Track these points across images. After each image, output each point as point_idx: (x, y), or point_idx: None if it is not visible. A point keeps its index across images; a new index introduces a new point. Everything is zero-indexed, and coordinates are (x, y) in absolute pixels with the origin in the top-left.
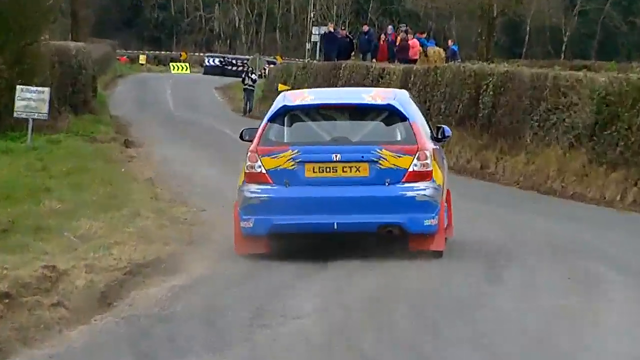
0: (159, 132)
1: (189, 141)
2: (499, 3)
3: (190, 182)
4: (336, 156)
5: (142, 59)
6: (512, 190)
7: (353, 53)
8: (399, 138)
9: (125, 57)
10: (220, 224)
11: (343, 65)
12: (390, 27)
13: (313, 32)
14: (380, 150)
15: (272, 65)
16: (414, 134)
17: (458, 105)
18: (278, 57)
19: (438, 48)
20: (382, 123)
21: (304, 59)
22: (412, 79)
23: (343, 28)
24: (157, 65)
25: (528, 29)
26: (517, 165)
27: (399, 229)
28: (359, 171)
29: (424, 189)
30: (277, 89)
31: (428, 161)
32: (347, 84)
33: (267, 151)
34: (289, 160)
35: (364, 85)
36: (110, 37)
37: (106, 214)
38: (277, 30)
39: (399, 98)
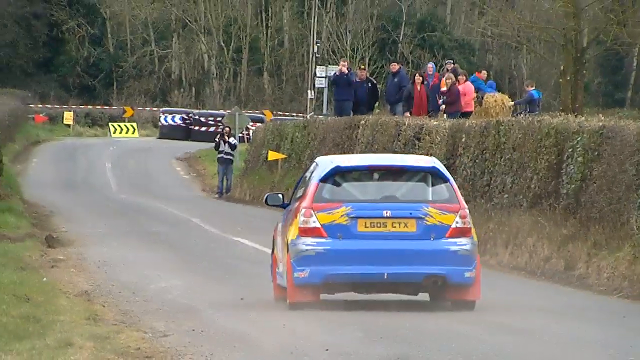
0: (97, 225)
1: (140, 237)
2: (591, 28)
3: (143, 297)
4: (386, 212)
5: (68, 117)
6: (612, 303)
7: (377, 104)
8: (442, 197)
9: (42, 114)
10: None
11: (362, 122)
12: (430, 64)
13: (318, 75)
14: (427, 207)
15: (258, 124)
16: (456, 195)
17: (531, 178)
18: (267, 112)
19: (501, 95)
20: (424, 182)
21: (305, 114)
22: (463, 140)
23: (362, 67)
24: (90, 126)
25: (635, 64)
26: (619, 266)
27: (442, 280)
28: (407, 227)
29: (465, 244)
30: (267, 158)
31: (468, 219)
32: (369, 149)
33: (321, 207)
34: (342, 215)
35: (395, 152)
36: (20, 86)
37: (22, 345)
38: (265, 72)
39: (438, 162)
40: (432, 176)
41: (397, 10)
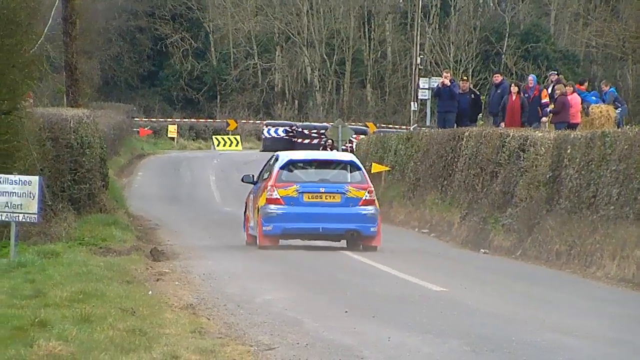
0: (202, 238)
1: (244, 250)
2: None
3: (249, 309)
4: (322, 189)
5: (172, 130)
6: None
7: (480, 115)
8: (357, 180)
9: (147, 128)
10: None
11: (466, 133)
12: (531, 77)
13: (421, 87)
14: (347, 186)
15: (361, 136)
16: (365, 178)
17: (638, 190)
18: (370, 124)
19: (606, 105)
20: (345, 169)
21: (408, 126)
22: (568, 151)
23: (465, 79)
24: (193, 139)
25: None
26: None
27: (357, 232)
28: (334, 198)
29: (371, 210)
30: (370, 171)
31: (373, 194)
32: (473, 161)
33: (280, 185)
34: (294, 191)
35: (498, 164)
36: (125, 100)
37: (128, 358)
38: (368, 84)
39: (354, 157)
40: (350, 166)
41: (501, 21)
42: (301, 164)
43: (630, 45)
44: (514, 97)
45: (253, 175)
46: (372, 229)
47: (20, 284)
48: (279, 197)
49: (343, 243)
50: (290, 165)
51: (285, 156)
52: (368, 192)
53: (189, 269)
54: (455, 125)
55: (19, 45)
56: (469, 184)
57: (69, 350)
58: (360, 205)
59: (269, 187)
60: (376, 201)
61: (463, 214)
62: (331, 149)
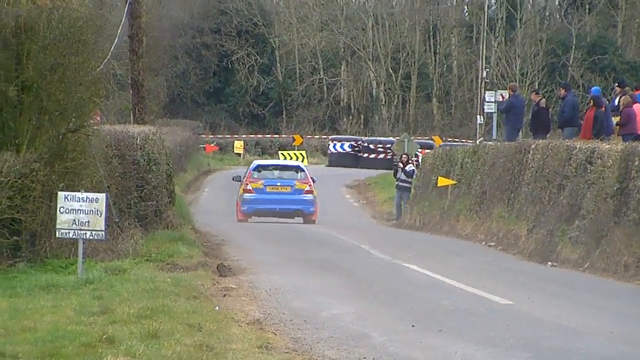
0: (267, 253)
1: (311, 265)
2: None
3: (314, 324)
4: (279, 183)
5: (238, 146)
6: None
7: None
8: (302, 178)
9: (213, 144)
10: None
11: (532, 146)
12: (594, 89)
13: (487, 100)
14: (295, 181)
15: (426, 151)
16: (307, 176)
17: None
18: (436, 138)
19: None
20: (295, 171)
21: (474, 140)
22: (636, 163)
23: (535, 92)
24: (260, 155)
25: None
26: None
27: (301, 212)
28: (287, 189)
29: (310, 197)
30: (437, 184)
31: (313, 187)
32: (539, 174)
33: (252, 181)
34: (260, 184)
35: (565, 176)
36: (191, 116)
37: None
38: (434, 98)
39: (302, 163)
40: (298, 168)
41: (567, 33)
42: (266, 167)
43: None
44: (590, 108)
45: (241, 177)
46: (311, 209)
47: (88, 300)
48: (251, 188)
49: (298, 220)
50: (259, 168)
51: (256, 162)
52: (309, 186)
53: (255, 284)
54: (522, 137)
55: (86, 64)
56: (535, 197)
57: None
58: (304, 194)
59: (244, 182)
60: (314, 191)
61: (530, 226)
62: (405, 164)
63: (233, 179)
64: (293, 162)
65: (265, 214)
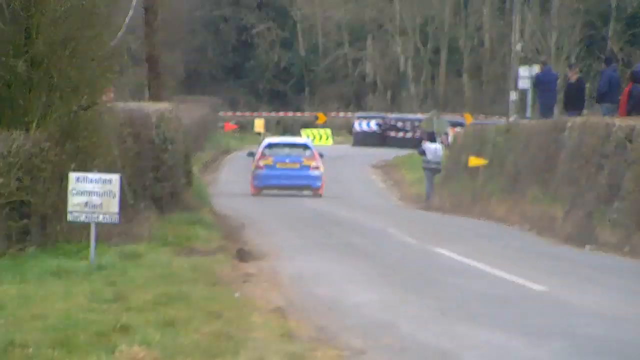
0: (289, 237)
1: (335, 249)
2: None
3: (339, 312)
4: (288, 160)
5: (259, 124)
6: None
7: (585, 104)
8: (309, 155)
9: (232, 122)
10: None
11: (569, 124)
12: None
13: (521, 75)
14: (303, 158)
15: (457, 129)
16: (314, 154)
17: None
18: (466, 115)
19: None
20: (303, 149)
21: (507, 117)
22: None
23: (572, 67)
24: (281, 134)
25: None
26: None
27: (309, 186)
28: (295, 165)
29: (317, 173)
30: (467, 164)
31: (320, 163)
32: (576, 153)
33: (263, 157)
34: (271, 161)
35: (604, 155)
36: (209, 93)
37: None
38: (465, 74)
39: (309, 140)
40: (305, 146)
41: (606, 4)
42: (276, 145)
43: None
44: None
45: (254, 152)
46: (318, 184)
47: (101, 287)
48: (262, 164)
49: (307, 193)
50: (270, 145)
51: (267, 140)
52: (315, 162)
53: (277, 269)
54: (556, 113)
55: (99, 37)
56: (572, 177)
57: (153, 356)
58: (311, 170)
59: (256, 159)
60: (321, 167)
61: (567, 208)
62: (431, 142)
63: (247, 155)
64: (301, 140)
65: (275, 187)
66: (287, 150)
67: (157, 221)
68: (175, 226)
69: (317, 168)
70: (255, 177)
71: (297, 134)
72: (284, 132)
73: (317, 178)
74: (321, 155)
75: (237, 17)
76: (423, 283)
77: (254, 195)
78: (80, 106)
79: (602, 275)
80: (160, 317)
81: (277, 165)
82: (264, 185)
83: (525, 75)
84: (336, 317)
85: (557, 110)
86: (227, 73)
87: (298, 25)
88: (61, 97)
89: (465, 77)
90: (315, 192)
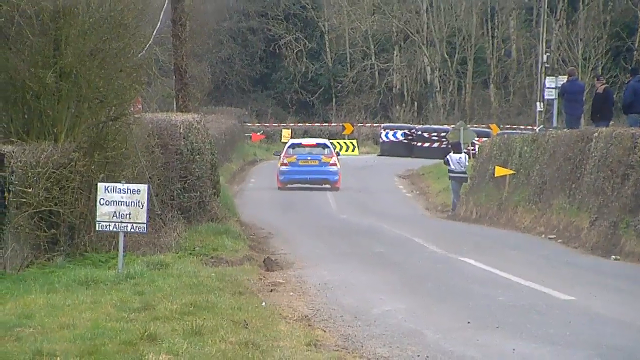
0: (316, 247)
1: (361, 259)
2: None
3: (365, 321)
4: (309, 157)
5: (286, 135)
6: None
7: (612, 115)
8: (328, 153)
9: (259, 133)
10: None
11: (595, 134)
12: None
13: (547, 86)
14: (322, 156)
15: (483, 139)
16: (332, 152)
17: None
18: (493, 126)
19: None
20: (322, 148)
21: (534, 127)
22: None
23: (595, 77)
24: None
25: None
26: None
27: (327, 181)
28: (315, 162)
29: (335, 168)
30: (494, 174)
31: (337, 159)
32: (603, 163)
33: (288, 156)
34: (294, 158)
35: (630, 166)
36: (236, 104)
37: None
38: (491, 84)
39: (327, 141)
40: (325, 146)
41: (632, 15)
42: (299, 145)
43: None
44: None
45: (280, 152)
46: (335, 178)
47: (129, 296)
48: (287, 162)
49: (326, 187)
50: (294, 145)
51: (291, 141)
52: (333, 159)
53: (303, 278)
54: (582, 124)
55: (127, 49)
56: (598, 187)
57: None
58: (329, 166)
59: (282, 157)
60: (338, 164)
61: (592, 218)
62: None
63: (274, 154)
64: (320, 140)
65: (298, 182)
66: (308, 149)
67: (184, 231)
68: (202, 236)
69: (334, 164)
70: (280, 173)
71: None
72: None
73: (335, 173)
74: (337, 154)
75: (264, 28)
76: (449, 292)
77: (280, 189)
78: (108, 117)
79: (627, 285)
80: (187, 326)
81: (300, 163)
82: (289, 179)
83: (552, 86)
84: (362, 325)
85: (583, 120)
86: (254, 84)
87: (325, 36)
88: (89, 108)
89: (491, 88)
90: (333, 185)
